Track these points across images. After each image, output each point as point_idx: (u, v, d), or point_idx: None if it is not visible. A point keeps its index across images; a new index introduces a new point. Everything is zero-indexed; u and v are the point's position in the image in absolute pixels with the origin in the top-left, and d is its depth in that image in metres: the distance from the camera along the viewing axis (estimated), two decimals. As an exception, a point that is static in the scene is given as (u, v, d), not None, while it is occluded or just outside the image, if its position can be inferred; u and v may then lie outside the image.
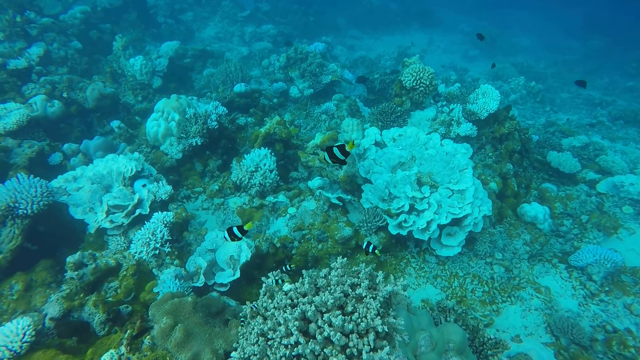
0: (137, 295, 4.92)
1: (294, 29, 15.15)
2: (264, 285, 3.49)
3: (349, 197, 6.40)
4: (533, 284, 5.71)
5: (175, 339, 3.36)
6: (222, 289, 4.99)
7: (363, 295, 3.22)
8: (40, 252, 5.40)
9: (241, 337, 3.39)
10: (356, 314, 3.04)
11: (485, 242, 5.98)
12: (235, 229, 3.69)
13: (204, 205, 6.84)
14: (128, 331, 3.45)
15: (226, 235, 3.71)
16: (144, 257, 4.87)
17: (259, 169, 6.67)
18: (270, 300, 3.35)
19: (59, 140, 7.29)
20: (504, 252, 6.12)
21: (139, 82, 9.18)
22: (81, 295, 4.95)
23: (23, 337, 3.80)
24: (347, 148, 3.92)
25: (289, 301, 3.23)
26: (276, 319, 3.15)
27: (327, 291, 3.24)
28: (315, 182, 6.56)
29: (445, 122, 7.03)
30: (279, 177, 6.83)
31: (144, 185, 5.77)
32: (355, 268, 3.42)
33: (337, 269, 3.51)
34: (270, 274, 3.53)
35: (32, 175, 5.56)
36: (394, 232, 5.91)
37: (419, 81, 6.73)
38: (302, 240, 6.20)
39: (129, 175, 5.87)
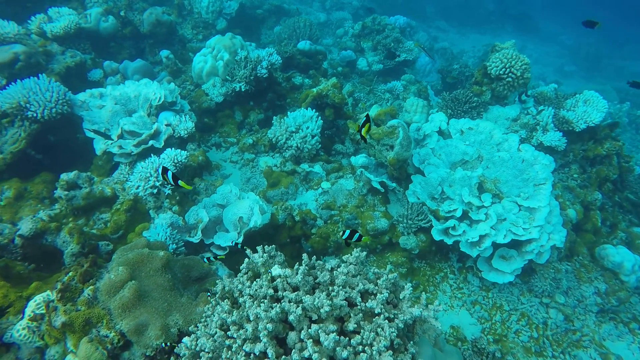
0: (125, 234, 4.14)
1: (379, 6, 13.88)
2: (246, 260, 2.51)
3: (394, 185, 5.27)
4: (599, 347, 4.35)
5: (121, 299, 2.48)
6: (220, 253, 4.10)
7: (376, 312, 2.14)
8: (44, 164, 4.76)
9: (202, 320, 2.45)
10: (358, 337, 1.98)
11: (547, 278, 4.66)
12: (168, 174, 2.80)
13: (233, 157, 5.96)
14: (70, 273, 2.61)
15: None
16: (140, 194, 4.06)
17: (300, 130, 5.68)
18: (249, 283, 2.37)
19: (106, 59, 6.68)
20: (567, 297, 4.76)
21: (203, 19, 8.42)
22: (70, 219, 4.24)
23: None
24: (363, 132, 3.00)
25: (271, 291, 2.23)
26: (246, 312, 2.17)
27: (325, 292, 2.20)
28: (360, 159, 5.47)
29: (528, 125, 5.65)
30: (320, 146, 5.81)
31: (167, 125, 4.96)
32: (376, 270, 2.36)
33: (350, 264, 2.45)
34: (259, 248, 2.53)
35: (58, 83, 4.90)
36: (437, 237, 4.74)
37: (508, 69, 5.38)
38: (329, 221, 5.18)
39: (156, 104, 5.08)
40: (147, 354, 2.48)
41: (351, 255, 2.46)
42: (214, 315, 2.25)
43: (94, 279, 2.64)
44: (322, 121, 5.86)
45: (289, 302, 2.16)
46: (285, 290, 2.25)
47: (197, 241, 4.05)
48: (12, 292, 2.85)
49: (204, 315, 2.49)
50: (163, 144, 4.61)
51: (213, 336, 2.15)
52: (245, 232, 4.15)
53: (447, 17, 15.36)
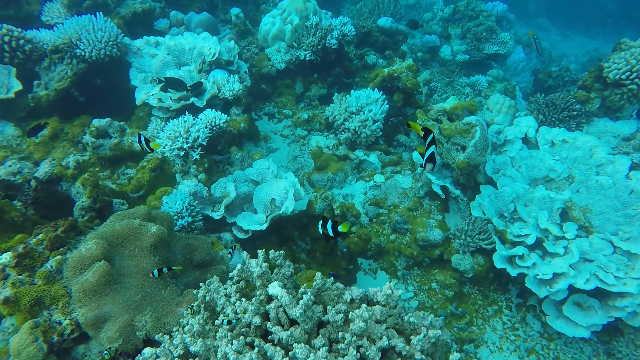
0: (146, 195, 3.64)
1: (475, -4, 12.36)
2: (238, 266, 1.81)
3: (458, 192, 4.32)
4: None
5: (83, 283, 1.92)
6: (241, 236, 3.48)
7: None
8: (86, 107, 4.39)
9: (175, 330, 1.81)
10: None
11: (639, 346, 3.54)
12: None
13: (285, 131, 5.30)
14: (40, 235, 2.09)
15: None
16: (166, 154, 3.52)
17: (362, 113, 4.86)
18: (234, 299, 1.68)
19: (176, 10, 6.23)
20: (658, 372, 3.62)
21: (284, -17, 7.73)
22: (96, 169, 3.83)
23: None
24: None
25: (258, 320, 1.53)
26: (214, 343, 1.49)
27: (329, 336, 1.46)
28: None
29: (643, 149, 4.39)
30: (381, 133, 4.97)
31: (213, 82, 4.36)
32: (413, 319, 1.56)
33: (377, 304, 1.67)
34: (260, 254, 1.82)
35: (112, 24, 4.48)
36: (499, 264, 3.77)
37: (635, 74, 4.14)
38: (375, 220, 4.39)
39: (210, 60, 4.50)
40: (104, 355, 1.91)
41: (380, 290, 1.67)
42: (177, 336, 1.61)
43: (66, 247, 2.10)
44: (388, 106, 5.00)
45: (276, 343, 1.45)
46: (277, 325, 1.53)
47: (219, 218, 3.45)
48: (-7, 241, 2.42)
49: (180, 323, 1.86)
50: (205, 103, 4.03)
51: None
52: (274, 217, 3.48)
53: (552, 14, 13.34)
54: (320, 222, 2.26)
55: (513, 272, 3.68)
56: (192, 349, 1.49)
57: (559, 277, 3.60)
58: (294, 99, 5.70)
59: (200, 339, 1.48)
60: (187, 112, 3.68)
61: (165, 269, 2.01)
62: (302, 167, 4.82)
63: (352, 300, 1.72)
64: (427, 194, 4.55)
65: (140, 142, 2.10)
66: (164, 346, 1.72)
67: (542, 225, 3.94)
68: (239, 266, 1.76)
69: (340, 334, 1.48)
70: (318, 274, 1.75)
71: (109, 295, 1.95)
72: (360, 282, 4.10)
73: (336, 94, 5.18)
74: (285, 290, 1.65)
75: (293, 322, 1.61)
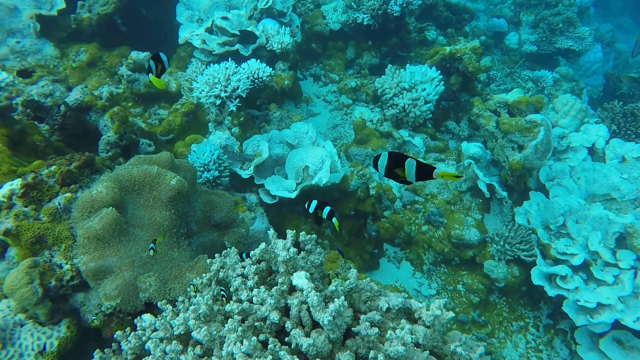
0: (175, 140, 3.40)
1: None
2: (262, 245, 1.52)
3: (505, 194, 3.90)
4: None
5: (89, 228, 1.69)
6: (267, 200, 3.21)
7: None
8: (127, 37, 4.12)
9: (180, 300, 1.57)
10: None
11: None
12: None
13: (328, 97, 4.92)
14: (53, 167, 1.86)
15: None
16: (202, 100, 3.23)
17: (414, 90, 4.42)
18: (252, 283, 1.41)
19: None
20: None
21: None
22: (129, 104, 3.59)
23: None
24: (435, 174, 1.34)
25: (275, 316, 1.25)
26: (219, 333, 1.23)
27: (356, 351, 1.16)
28: (472, 148, 4.13)
29: None
30: (431, 115, 4.53)
31: (262, 32, 3.98)
32: (461, 350, 1.26)
33: (422, 325, 1.36)
34: (289, 235, 1.52)
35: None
36: (536, 280, 3.40)
37: None
38: (408, 207, 4.04)
39: (262, 7, 4.11)
40: (102, 309, 1.70)
41: (427, 309, 1.36)
42: (178, 317, 1.35)
43: (78, 185, 1.86)
44: (443, 88, 4.53)
45: (293, 348, 1.17)
46: (298, 326, 1.26)
47: (247, 177, 3.18)
48: (7, 163, 2.22)
49: (187, 293, 1.61)
50: (250, 52, 3.68)
51: (157, 345, 1.26)
52: (305, 187, 3.19)
53: (637, 14, 12.05)
54: (315, 202, 1.86)
55: (551, 292, 3.31)
56: (194, 334, 1.24)
57: (603, 308, 3.21)
58: (343, 64, 5.27)
59: (205, 327, 1.23)
60: (230, 59, 3.35)
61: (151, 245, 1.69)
62: (341, 137, 4.47)
63: (388, 309, 1.43)
64: (470, 190, 4.15)
65: (150, 67, 1.73)
66: (164, 318, 1.48)
67: (593, 247, 3.51)
68: (262, 246, 1.48)
69: (372, 354, 1.19)
70: (353, 272, 1.45)
71: (114, 247, 1.72)
72: (383, 268, 3.81)
73: (390, 65, 4.73)
74: (312, 284, 1.36)
75: (315, 324, 1.33)
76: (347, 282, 1.43)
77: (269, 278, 1.54)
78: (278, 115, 3.58)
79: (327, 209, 1.83)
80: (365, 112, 4.67)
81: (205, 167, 2.92)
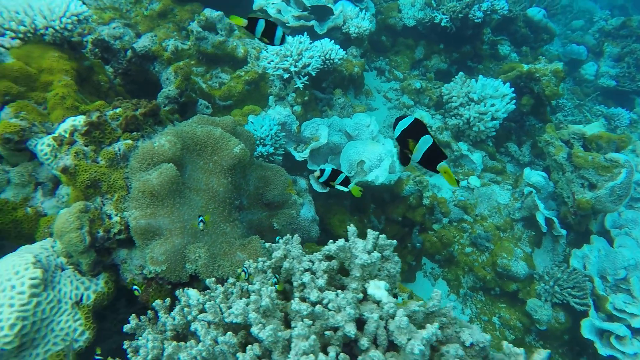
0: (233, 108, 3.23)
1: None
2: (339, 243, 1.31)
3: (564, 232, 3.58)
4: None
5: (145, 182, 1.52)
6: (317, 188, 3.00)
7: None
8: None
9: (230, 283, 1.39)
10: None
11: None
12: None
13: (389, 93, 4.67)
14: (118, 109, 1.70)
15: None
16: (269, 70, 3.04)
17: (483, 104, 4.12)
18: (323, 282, 1.20)
19: None
20: None
21: None
22: (192, 62, 3.44)
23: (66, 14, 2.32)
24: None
25: (351, 330, 1.05)
26: (284, 336, 1.03)
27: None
28: (535, 176, 3.82)
29: None
30: (494, 133, 4.23)
31: (341, 12, 3.74)
32: None
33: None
34: (371, 236, 1.31)
35: None
36: (586, 333, 3.09)
37: None
38: (454, 225, 3.78)
39: (344, -13, 3.88)
40: (144, 272, 1.54)
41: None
42: (232, 303, 1.16)
43: (140, 133, 1.70)
44: (514, 107, 4.21)
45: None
46: (373, 348, 1.05)
47: (300, 160, 2.99)
48: (72, 98, 2.08)
49: (237, 274, 1.42)
50: (325, 31, 3.47)
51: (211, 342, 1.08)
52: (359, 182, 2.97)
53: None
54: (329, 169, 1.65)
55: (603, 351, 2.99)
56: (256, 331, 1.05)
57: (657, 377, 2.88)
58: (410, 63, 5.00)
59: (271, 327, 1.03)
60: (305, 34, 3.15)
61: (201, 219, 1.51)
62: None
63: (472, 345, 1.20)
64: (523, 220, 3.85)
65: (255, 24, 1.48)
66: (214, 299, 1.29)
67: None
68: (340, 242, 1.27)
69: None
70: (437, 292, 1.24)
71: (168, 207, 1.55)
72: (418, 282, 3.57)
73: (461, 73, 4.43)
74: (393, 299, 1.15)
75: (390, 345, 1.12)
76: (431, 303, 1.21)
77: (336, 280, 1.33)
78: (342, 102, 3.36)
79: (341, 176, 1.63)
80: (425, 117, 4.40)
81: (262, 141, 2.73)
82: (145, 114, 1.67)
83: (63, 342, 1.44)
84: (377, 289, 1.18)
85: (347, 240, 1.33)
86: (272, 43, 1.46)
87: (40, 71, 2.20)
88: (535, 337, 3.49)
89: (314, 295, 1.14)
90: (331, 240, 1.36)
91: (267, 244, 1.53)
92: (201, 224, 1.49)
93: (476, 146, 4.33)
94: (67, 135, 1.63)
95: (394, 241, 1.38)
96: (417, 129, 1.14)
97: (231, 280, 1.41)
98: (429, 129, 1.33)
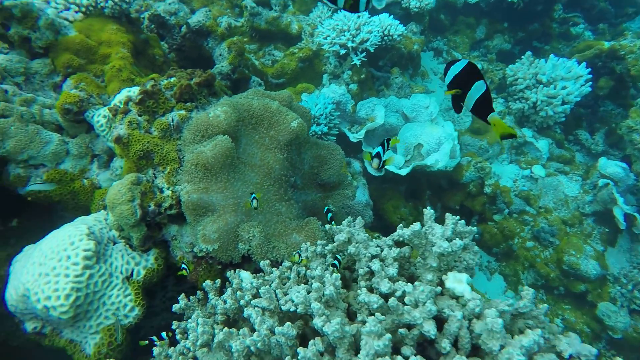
0: (285, 86, 3.10)
1: None
2: (415, 227, 1.14)
3: (645, 230, 3.17)
4: None
5: (199, 154, 1.41)
6: (371, 171, 2.82)
7: None
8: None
9: (285, 268, 1.26)
10: None
11: None
12: None
13: (446, 76, 4.35)
14: (173, 79, 1.60)
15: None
16: (324, 47, 2.86)
17: (552, 86, 3.73)
18: (394, 271, 1.03)
19: None
20: None
21: None
22: (245, 39, 3.33)
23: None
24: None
25: (431, 329, 0.88)
26: (352, 330, 0.87)
27: None
28: (612, 166, 3.40)
29: None
30: (564, 119, 3.83)
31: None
32: None
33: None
34: (450, 220, 1.12)
35: None
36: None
37: None
38: (515, 216, 3.47)
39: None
40: (194, 250, 1.44)
41: None
42: (288, 289, 1.02)
43: (194, 104, 1.59)
44: (590, 89, 3.77)
45: None
46: (456, 350, 0.87)
47: (355, 141, 2.81)
48: (128, 70, 2.03)
49: (293, 257, 1.29)
50: (384, 6, 3.23)
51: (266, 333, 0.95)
52: (417, 166, 2.75)
53: None
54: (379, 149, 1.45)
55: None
56: (319, 324, 0.90)
57: None
58: (469, 43, 4.63)
59: (338, 321, 0.87)
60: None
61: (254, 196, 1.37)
62: (455, 122, 3.92)
63: (571, 357, 1.00)
64: (595, 214, 3.46)
65: None
66: (268, 283, 1.17)
67: None
68: (416, 226, 1.09)
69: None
70: (528, 290, 1.03)
71: (222, 182, 1.44)
72: (477, 275, 3.32)
73: (528, 52, 4.03)
74: (478, 295, 0.96)
75: (475, 348, 0.94)
76: (522, 303, 1.01)
77: (407, 269, 1.16)
78: (399, 82, 3.13)
79: (378, 149, 1.42)
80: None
81: (315, 120, 2.58)
82: (200, 83, 1.56)
83: (114, 317, 1.38)
84: (458, 282, 0.99)
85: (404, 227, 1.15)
86: (355, 10, 1.29)
87: (100, 44, 2.16)
88: (606, 346, 3.15)
89: (384, 285, 0.98)
90: (401, 225, 1.19)
91: (327, 226, 1.38)
92: (254, 201, 1.36)
93: (542, 133, 3.95)
94: (121, 105, 1.55)
95: (474, 228, 1.19)
96: (471, 73, 1.03)
97: (287, 263, 1.27)
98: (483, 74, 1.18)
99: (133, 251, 1.45)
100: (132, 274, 1.43)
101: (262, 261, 1.30)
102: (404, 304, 0.93)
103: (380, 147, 1.45)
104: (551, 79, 3.77)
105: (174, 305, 1.35)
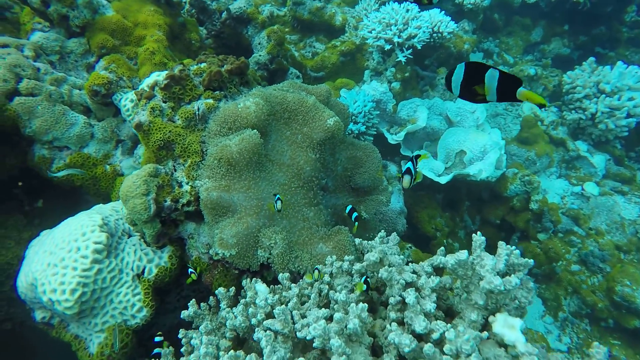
0: (325, 79, 2.94)
1: None
2: (462, 255, 0.95)
3: None
4: None
5: (224, 148, 1.27)
6: (408, 176, 2.62)
7: None
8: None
9: (308, 283, 1.10)
10: None
11: None
12: None
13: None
14: (203, 64, 1.47)
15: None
16: (368, 40, 2.66)
17: (617, 95, 3.36)
18: (431, 306, 0.86)
19: None
20: None
21: None
22: (286, 29, 3.19)
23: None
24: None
25: None
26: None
27: None
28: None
29: None
30: (627, 134, 3.45)
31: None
32: None
33: None
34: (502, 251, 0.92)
35: None
36: None
37: None
38: (560, 236, 3.16)
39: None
40: (210, 252, 1.32)
41: None
42: (305, 312, 0.87)
43: (224, 93, 1.46)
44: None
45: None
46: None
47: (393, 143, 2.61)
48: (161, 53, 1.93)
49: (319, 271, 1.13)
50: (437, 1, 2.99)
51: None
52: (458, 175, 2.52)
53: None
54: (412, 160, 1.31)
55: None
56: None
57: None
58: (523, 47, 4.29)
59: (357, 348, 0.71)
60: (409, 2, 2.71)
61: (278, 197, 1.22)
62: (501, 129, 3.63)
63: None
64: (656, 242, 3.09)
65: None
66: (285, 301, 1.02)
67: None
68: (463, 255, 0.90)
69: None
70: (603, 350, 0.83)
71: (245, 181, 1.30)
72: (509, 298, 3.05)
73: (592, 58, 3.65)
74: (534, 349, 0.77)
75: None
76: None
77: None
78: (444, 82, 2.89)
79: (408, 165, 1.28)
80: (538, 109, 3.73)
81: (353, 118, 2.41)
82: (232, 71, 1.43)
83: (121, 316, 1.28)
84: (510, 328, 0.81)
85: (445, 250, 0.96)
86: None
87: (136, 25, 2.07)
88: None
89: (419, 324, 0.81)
90: (442, 248, 1.01)
91: (357, 241, 1.22)
92: (278, 202, 1.21)
93: (599, 147, 3.58)
94: (147, 90, 1.44)
95: (531, 261, 0.99)
96: (475, 71, 0.99)
97: (308, 280, 1.12)
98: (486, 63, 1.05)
99: (147, 247, 1.34)
100: (143, 272, 1.32)
101: (281, 274, 1.15)
102: (443, 352, 0.76)
103: (410, 163, 1.35)
104: (616, 88, 3.41)
105: (182, 312, 1.23)
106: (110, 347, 1.24)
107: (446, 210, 2.80)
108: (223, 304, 1.19)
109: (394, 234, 1.14)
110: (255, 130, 1.31)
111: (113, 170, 1.64)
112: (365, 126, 2.41)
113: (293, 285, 1.11)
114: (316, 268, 1.10)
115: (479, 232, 0.98)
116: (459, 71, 1.00)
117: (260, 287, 1.13)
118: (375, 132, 2.51)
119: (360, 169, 1.86)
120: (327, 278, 1.09)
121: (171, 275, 1.39)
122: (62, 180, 1.61)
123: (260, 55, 2.56)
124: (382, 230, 1.23)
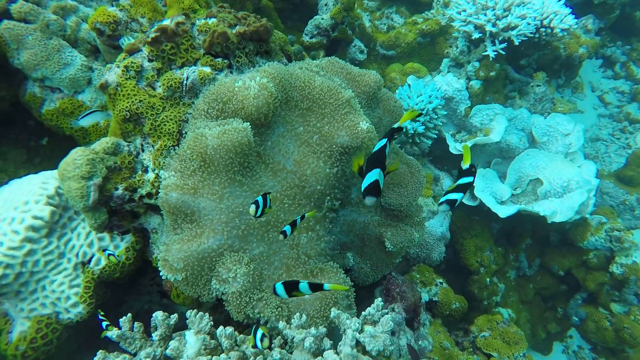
0: (395, 60, 2.43)
1: None
2: None
3: None
4: None
5: (199, 138, 0.91)
6: (469, 202, 2.10)
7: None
8: None
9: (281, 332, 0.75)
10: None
11: None
12: None
13: (610, 96, 3.21)
14: (212, 20, 1.09)
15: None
16: (455, 23, 2.07)
17: None
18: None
19: None
20: None
21: None
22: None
23: None
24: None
25: None
26: None
27: None
28: None
29: None
30: None
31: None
32: None
33: None
34: None
35: None
36: None
37: None
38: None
39: None
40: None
41: None
42: None
43: (229, 62, 1.08)
44: None
45: None
46: None
47: (456, 153, 2.09)
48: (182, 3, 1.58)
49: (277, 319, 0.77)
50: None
51: None
52: (522, 210, 1.96)
53: None
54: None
55: None
56: None
57: None
58: None
59: None
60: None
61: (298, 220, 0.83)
62: (600, 159, 2.88)
63: None
64: None
65: None
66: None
67: None
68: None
69: None
70: None
71: (219, 186, 0.94)
72: (553, 357, 2.49)
73: None
74: None
75: None
76: None
77: None
78: (540, 92, 2.23)
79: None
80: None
81: (411, 114, 1.91)
82: (244, 34, 1.04)
83: (52, 307, 1.04)
84: None
85: None
86: None
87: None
88: None
89: None
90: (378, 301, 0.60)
91: (345, 302, 0.81)
92: (258, 205, 0.82)
93: None
94: (135, 44, 1.11)
95: None
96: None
97: (252, 349, 0.77)
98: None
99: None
100: (89, 261, 1.06)
101: (219, 330, 0.81)
102: None
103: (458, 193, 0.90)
104: None
105: (108, 332, 0.95)
106: (29, 342, 1.02)
107: (500, 243, 2.26)
108: (155, 336, 0.89)
109: (388, 317, 0.73)
110: (248, 123, 0.93)
111: (106, 124, 1.38)
112: (424, 126, 1.92)
113: (232, 353, 0.76)
114: (266, 336, 0.74)
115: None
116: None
117: (191, 338, 0.81)
118: (436, 135, 2.00)
119: (400, 188, 1.42)
120: (276, 354, 0.73)
121: (124, 271, 1.11)
122: (50, 125, 1.38)
123: (322, 19, 2.11)
124: (380, 299, 0.82)
